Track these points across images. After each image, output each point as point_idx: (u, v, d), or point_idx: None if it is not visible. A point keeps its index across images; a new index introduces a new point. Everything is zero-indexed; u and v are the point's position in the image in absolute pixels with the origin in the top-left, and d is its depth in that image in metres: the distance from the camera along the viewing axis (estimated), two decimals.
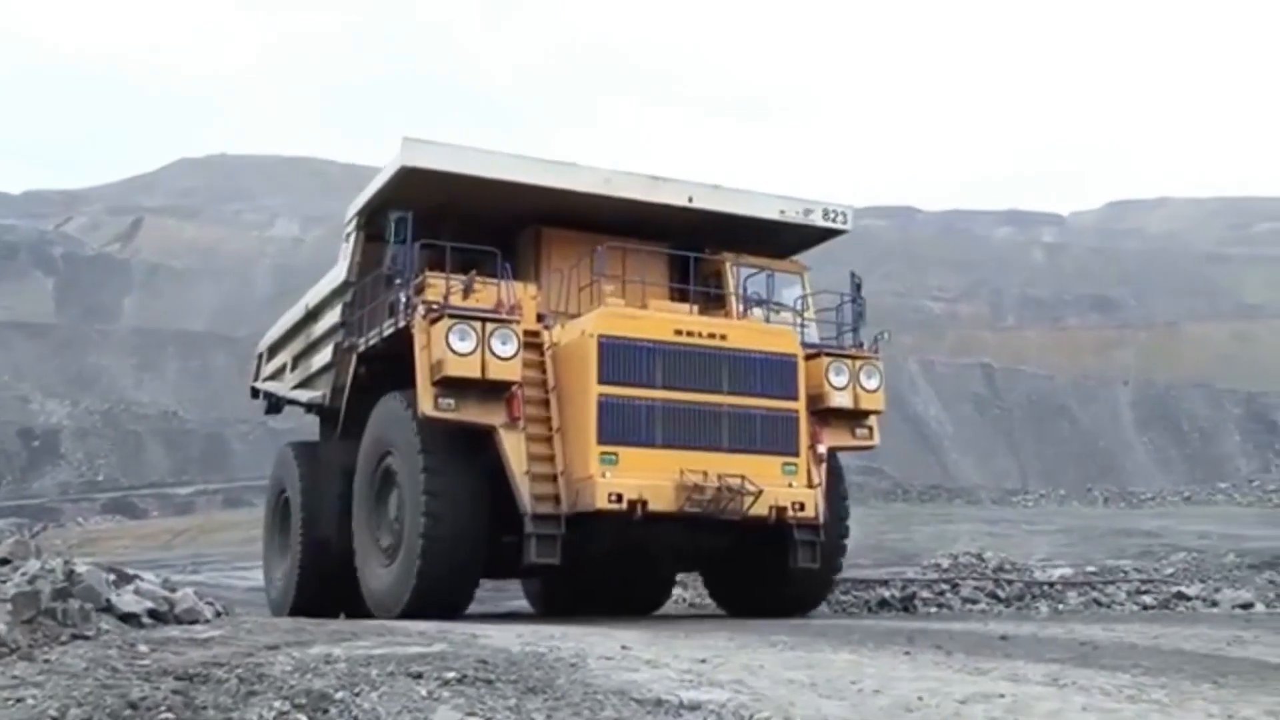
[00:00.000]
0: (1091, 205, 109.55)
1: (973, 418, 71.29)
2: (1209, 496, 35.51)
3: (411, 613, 9.46)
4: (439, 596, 9.71)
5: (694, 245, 11.30)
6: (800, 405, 10.37)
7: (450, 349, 9.51)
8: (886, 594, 12.77)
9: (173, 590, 7.59)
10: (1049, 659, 6.01)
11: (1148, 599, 12.16)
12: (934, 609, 11.87)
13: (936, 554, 15.53)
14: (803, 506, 9.90)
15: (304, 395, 13.55)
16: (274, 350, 15.36)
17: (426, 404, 9.61)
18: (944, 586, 12.60)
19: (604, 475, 9.32)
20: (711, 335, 10.11)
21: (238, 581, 19.89)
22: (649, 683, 4.78)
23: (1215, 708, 4.51)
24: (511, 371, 9.67)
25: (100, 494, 54.54)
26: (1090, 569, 14.17)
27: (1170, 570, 14.18)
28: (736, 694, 4.60)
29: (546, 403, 9.94)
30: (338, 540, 11.66)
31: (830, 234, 12.26)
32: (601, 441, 9.46)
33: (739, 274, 11.65)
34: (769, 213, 11.77)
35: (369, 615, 10.30)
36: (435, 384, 9.62)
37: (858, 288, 11.59)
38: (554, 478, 9.59)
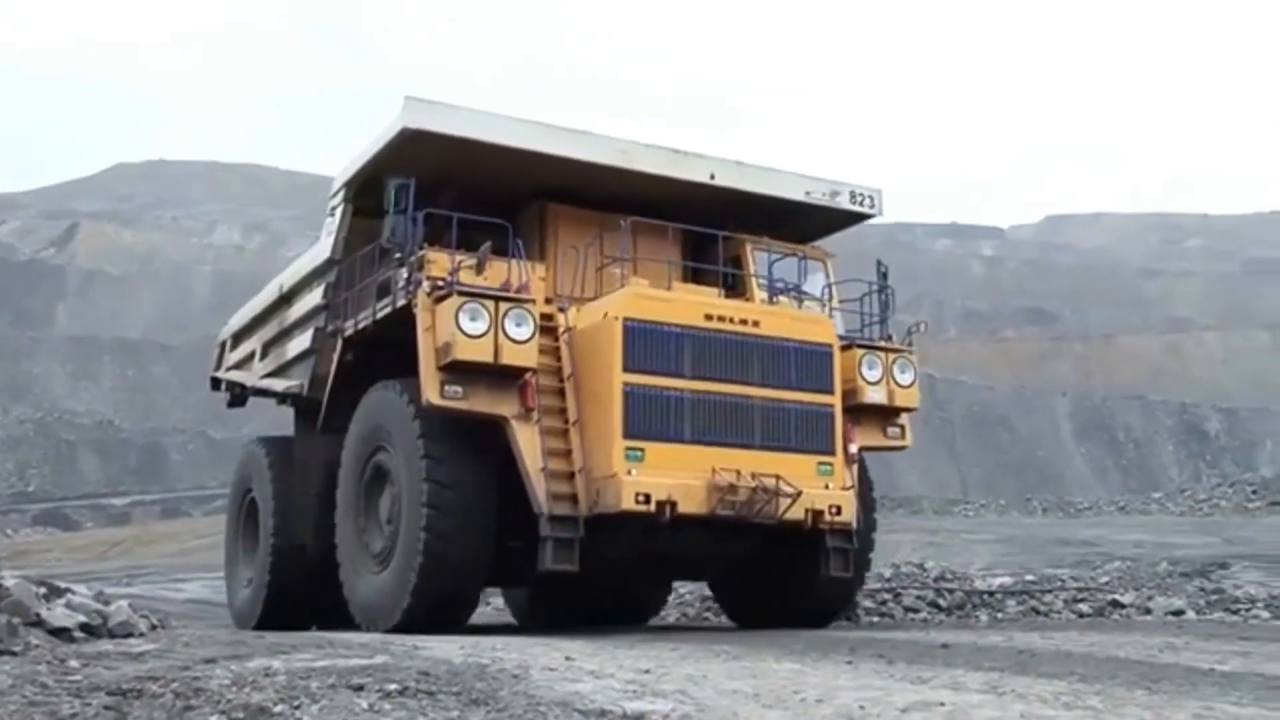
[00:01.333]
0: (1030, 219, 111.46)
1: (916, 428, 72.08)
2: (1143, 506, 36.24)
3: (409, 624, 8.72)
4: (441, 604, 8.94)
5: (711, 226, 10.38)
6: (836, 400, 9.59)
7: (460, 330, 8.66)
8: None
9: (106, 603, 7.43)
10: (988, 667, 6.09)
11: (1084, 607, 12.36)
12: (876, 618, 11.96)
13: (879, 563, 15.67)
14: (839, 510, 9.17)
15: (277, 385, 12.53)
16: (240, 337, 14.31)
17: (431, 392, 8.76)
18: (886, 596, 12.70)
19: (629, 473, 8.50)
20: (743, 321, 9.29)
21: (174, 594, 19.52)
22: (592, 694, 4.77)
23: (1148, 713, 4.60)
24: (527, 356, 8.85)
25: (31, 505, 53.23)
26: (1029, 578, 14.38)
27: (1106, 579, 14.44)
28: (680, 704, 4.60)
29: (562, 392, 9.07)
30: (316, 546, 10.80)
31: (856, 218, 11.45)
32: (627, 436, 8.61)
33: (760, 259, 10.74)
34: (794, 193, 10.92)
35: (347, 627, 9.64)
36: (441, 369, 8.79)
37: (884, 276, 10.81)
38: (571, 475, 8.76)
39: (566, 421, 8.95)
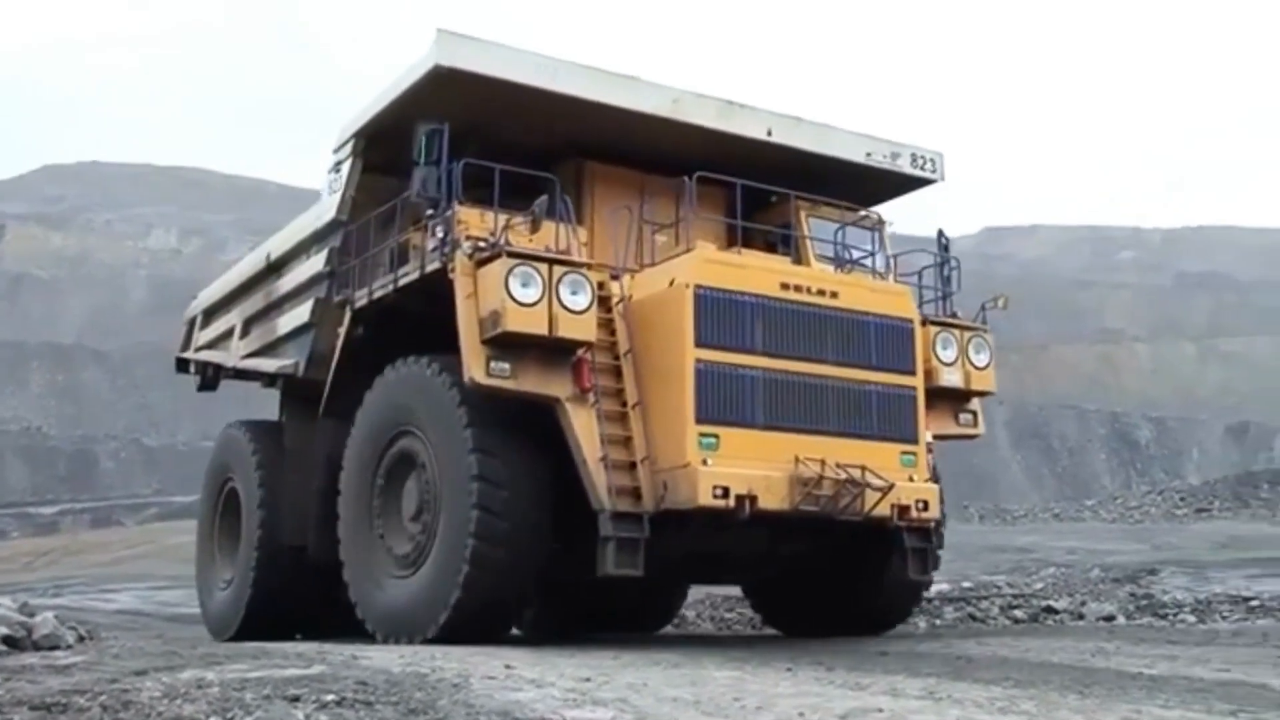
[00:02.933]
0: (969, 230, 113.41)
1: None
2: (1077, 513, 36.90)
3: (448, 636, 7.77)
4: (488, 615, 7.96)
5: (759, 188, 9.17)
6: (920, 382, 8.65)
7: (510, 297, 7.62)
8: None
9: (31, 615, 7.25)
10: (925, 673, 6.16)
11: (1019, 613, 12.53)
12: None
13: None
14: (927, 505, 8.25)
15: (266, 365, 11.23)
16: (213, 313, 13.06)
17: (476, 368, 7.69)
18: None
19: (705, 463, 7.52)
20: (821, 292, 8.29)
21: (104, 605, 19.09)
22: (532, 702, 4.74)
23: (1079, 717, 4.69)
24: (585, 329, 7.84)
25: None
26: (966, 584, 14.57)
27: (1040, 585, 14.68)
28: (620, 712, 4.59)
29: (618, 372, 8.01)
30: (319, 546, 9.62)
31: (916, 184, 10.43)
32: (700, 420, 7.62)
33: (815, 227, 9.70)
34: (854, 154, 9.94)
35: (345, 636, 8.86)
36: (486, 343, 7.74)
37: (945, 248, 9.89)
38: (632, 466, 7.74)
39: (625, 405, 7.89)
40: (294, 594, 10.48)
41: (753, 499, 7.57)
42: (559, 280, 7.78)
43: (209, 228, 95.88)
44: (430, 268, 8.33)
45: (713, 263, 8.17)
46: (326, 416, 9.83)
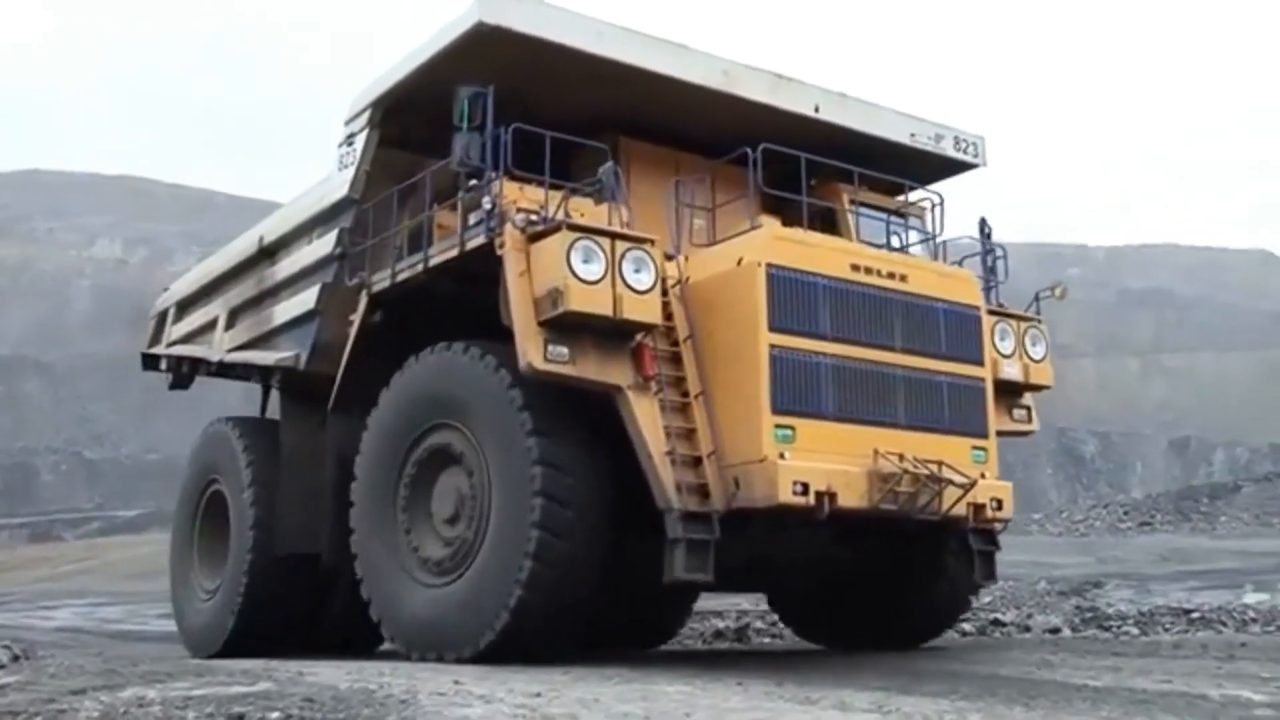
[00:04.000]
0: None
1: None
2: (1024, 527, 37.37)
3: (503, 648, 7.09)
4: (555, 617, 7.26)
5: (800, 168, 8.43)
6: (988, 373, 8.20)
7: (573, 274, 7.02)
8: (721, 625, 12.88)
9: None
10: (875, 686, 6.18)
11: (967, 626, 12.63)
12: (767, 639, 12.06)
13: None
14: (1001, 505, 7.82)
15: (259, 358, 10.41)
16: (190, 305, 12.20)
17: (533, 352, 7.07)
18: (774, 617, 12.83)
19: (782, 456, 6.98)
20: (890, 275, 7.81)
21: (42, 622, 18.68)
22: (482, 718, 4.69)
23: None
24: (650, 310, 7.27)
25: None
26: None
27: (988, 598, 14.84)
28: None
29: (677, 358, 7.46)
30: (335, 552, 8.84)
31: (957, 168, 9.92)
32: (776, 411, 7.10)
33: (856, 212, 9.23)
34: (899, 134, 9.49)
35: (346, 653, 8.44)
36: (544, 325, 7.14)
37: (987, 236, 9.38)
38: (698, 461, 7.18)
39: (686, 395, 7.35)
40: (289, 606, 9.80)
41: (832, 496, 7.04)
42: (622, 257, 7.18)
43: (155, 237, 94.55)
44: (472, 244, 7.63)
45: (784, 240, 7.59)
46: (337, 412, 9.04)
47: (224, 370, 11.51)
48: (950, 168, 10.00)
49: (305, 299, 9.70)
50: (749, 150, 7.83)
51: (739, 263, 7.46)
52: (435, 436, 7.94)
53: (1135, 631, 11.93)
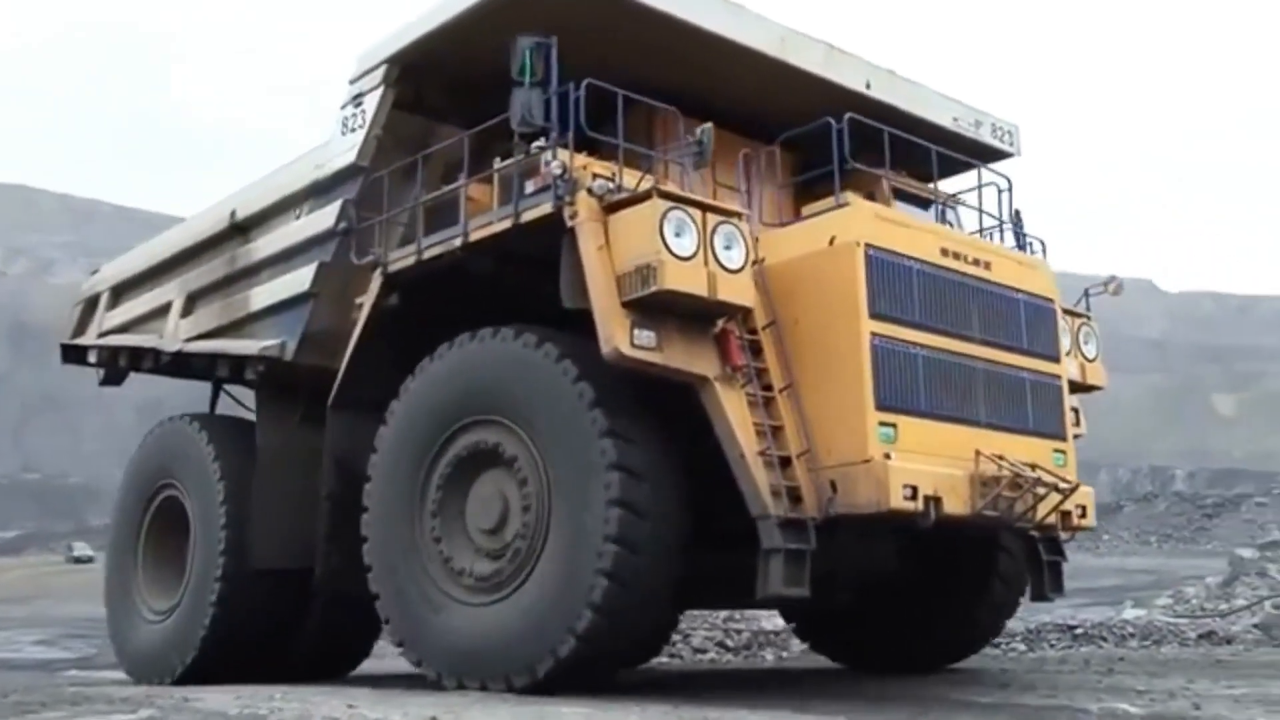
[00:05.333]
0: None
1: None
2: None
3: (564, 677, 6.30)
4: (628, 640, 6.64)
5: (837, 150, 7.39)
6: (1064, 370, 7.72)
7: (668, 248, 6.26)
8: None
9: None
10: (767, 705, 6.20)
11: None
12: (666, 659, 12.05)
13: None
14: (1085, 512, 7.30)
15: (234, 347, 9.19)
16: (129, 290, 10.81)
17: (620, 337, 6.25)
18: (676, 637, 12.82)
19: (888, 457, 6.35)
20: (976, 261, 7.23)
21: None
22: None
23: None
24: (744, 292, 6.54)
25: None
26: None
27: None
28: None
29: (757, 348, 6.69)
30: (333, 569, 7.92)
31: (991, 156, 9.15)
32: (880, 407, 6.47)
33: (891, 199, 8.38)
34: (941, 118, 8.85)
35: (321, 678, 7.97)
36: (628, 306, 6.34)
37: (1021, 228, 8.72)
38: (787, 462, 6.45)
39: (770, 388, 6.62)
40: (263, 627, 8.82)
41: (937, 501, 6.45)
42: (713, 231, 6.43)
43: (36, 248, 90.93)
44: (530, 214, 6.79)
45: (880, 219, 6.98)
46: (338, 408, 8.04)
47: (177, 364, 10.11)
48: (986, 155, 9.15)
49: (295, 280, 8.61)
50: (832, 121, 7.23)
51: (831, 242, 6.75)
52: (475, 434, 7.03)
53: (1023, 648, 12.28)
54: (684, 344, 6.44)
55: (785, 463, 6.43)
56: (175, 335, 9.91)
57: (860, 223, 6.80)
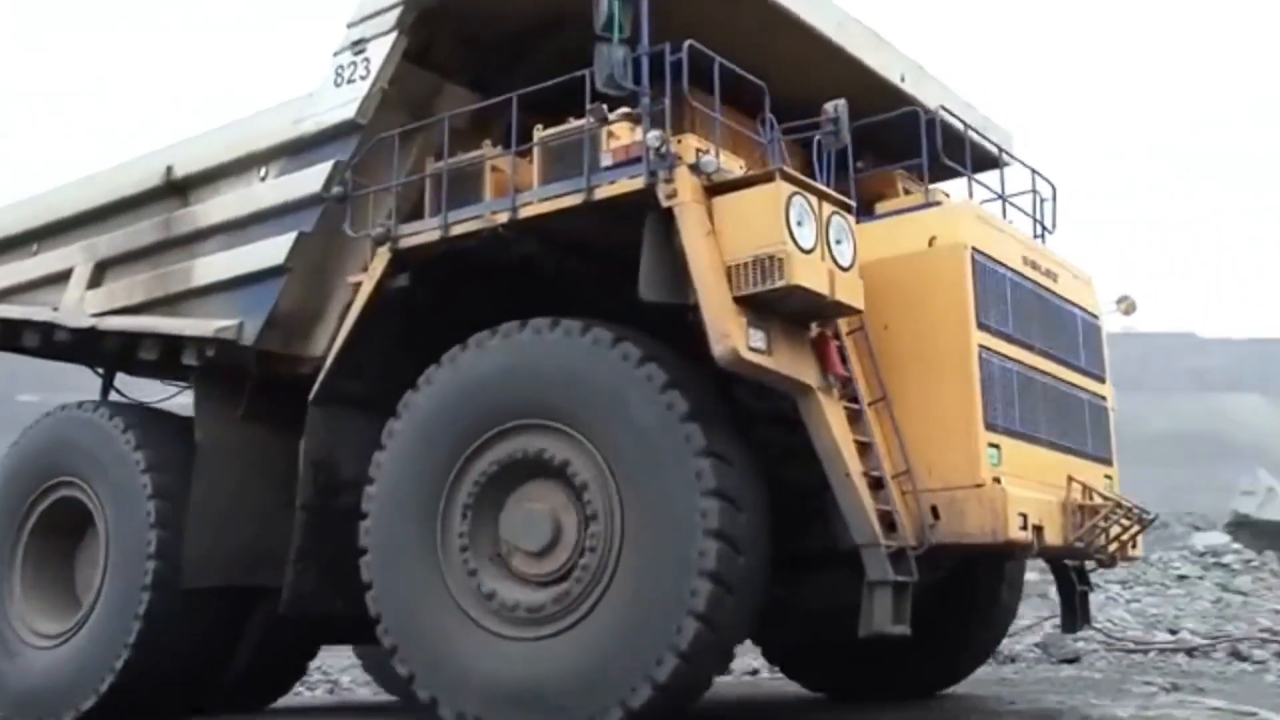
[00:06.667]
0: None
1: None
2: None
3: (650, 713, 5.42)
4: (704, 683, 5.79)
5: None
6: (1110, 391, 7.29)
7: (793, 239, 5.51)
8: None
9: None
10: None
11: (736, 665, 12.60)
12: None
13: None
14: (1136, 543, 6.89)
15: (172, 326, 7.77)
16: (2, 252, 9.07)
17: (737, 337, 5.45)
18: None
19: (998, 481, 5.78)
20: (1048, 272, 6.78)
21: None
22: None
23: None
24: (856, 293, 5.84)
25: None
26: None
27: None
28: None
29: (843, 356, 6.01)
30: (304, 592, 6.81)
31: (985, 165, 8.17)
32: (990, 427, 5.92)
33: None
34: (962, 119, 8.04)
35: (248, 708, 7.44)
36: (742, 302, 5.54)
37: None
38: (880, 483, 5.78)
39: (857, 400, 5.94)
40: (197, 653, 7.64)
41: (1039, 531, 5.93)
42: (828, 222, 5.73)
43: None
44: (608, 191, 5.90)
45: (981, 221, 6.45)
46: (321, 404, 6.88)
47: (77, 343, 8.48)
48: (986, 162, 8.38)
49: (261, 252, 7.36)
50: (920, 111, 6.88)
51: (931, 243, 6.17)
52: (520, 440, 6.02)
53: None
54: (788, 348, 5.71)
55: (877, 484, 5.77)
56: (80, 309, 8.28)
57: (966, 223, 6.27)
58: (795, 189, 5.60)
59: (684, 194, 5.65)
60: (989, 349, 6.05)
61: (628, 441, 5.66)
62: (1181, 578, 15.15)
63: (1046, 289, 6.74)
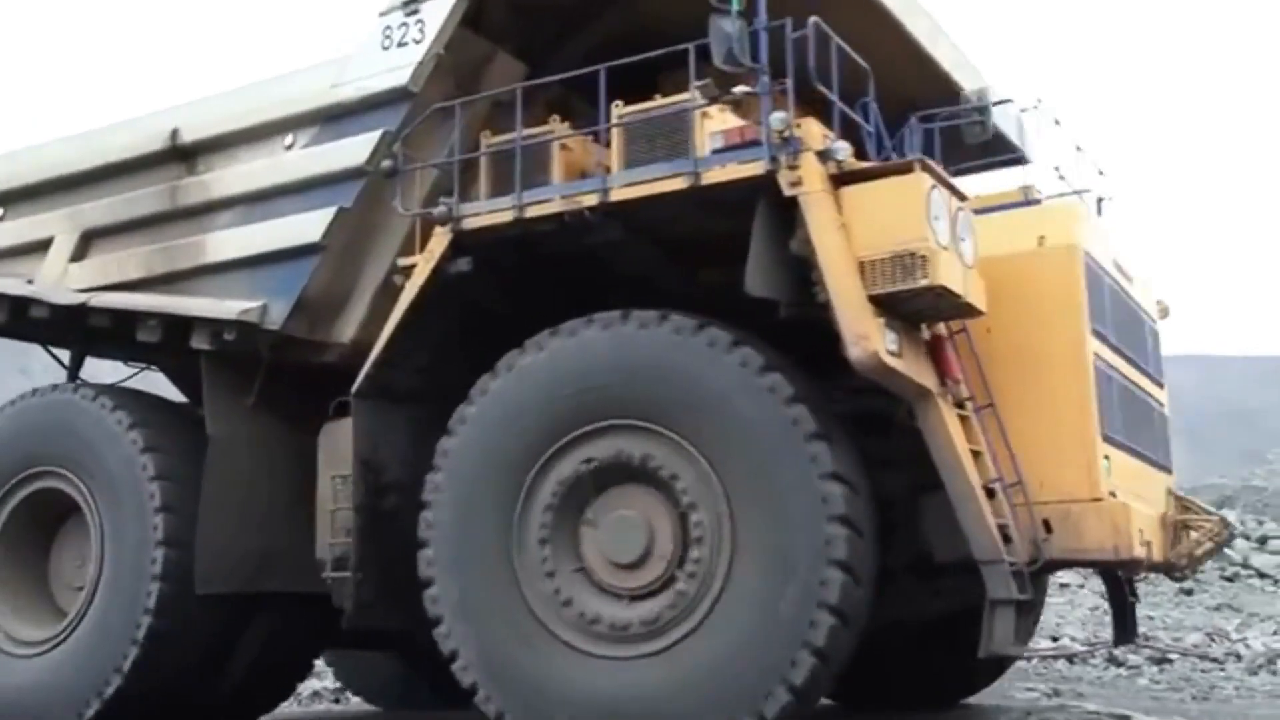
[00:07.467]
0: None
1: None
2: None
3: None
4: (823, 691, 5.45)
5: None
6: (1166, 398, 7.01)
7: (934, 235, 5.15)
8: (319, 685, 11.90)
9: None
10: None
11: None
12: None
13: None
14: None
15: (181, 306, 7.07)
16: None
17: (877, 338, 5.11)
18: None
19: (1113, 495, 5.53)
20: (1127, 275, 6.60)
21: None
22: None
23: None
24: (980, 293, 5.52)
25: None
26: None
27: None
28: None
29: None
30: (362, 598, 6.19)
31: (1004, 162, 7.93)
32: (1106, 438, 5.69)
33: None
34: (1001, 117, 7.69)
35: (250, 716, 7.06)
36: (880, 301, 5.20)
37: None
38: (991, 494, 5.43)
39: (963, 405, 5.58)
40: (202, 661, 7.07)
41: (1148, 546, 5.74)
42: (955, 218, 5.39)
43: None
44: (720, 175, 5.47)
45: (1086, 221, 6.15)
46: (364, 397, 6.30)
47: (57, 322, 7.64)
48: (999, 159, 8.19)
49: (291, 229, 6.73)
50: (1010, 100, 6.64)
51: (1040, 242, 5.85)
52: (609, 441, 5.57)
53: None
54: (911, 351, 5.37)
55: (988, 494, 5.42)
56: (63, 283, 7.53)
57: (1076, 223, 5.96)
58: (935, 181, 5.30)
59: (811, 183, 5.27)
60: (1099, 356, 5.79)
61: (743, 454, 5.28)
62: (1063, 585, 15.22)
63: (1127, 292, 6.52)
